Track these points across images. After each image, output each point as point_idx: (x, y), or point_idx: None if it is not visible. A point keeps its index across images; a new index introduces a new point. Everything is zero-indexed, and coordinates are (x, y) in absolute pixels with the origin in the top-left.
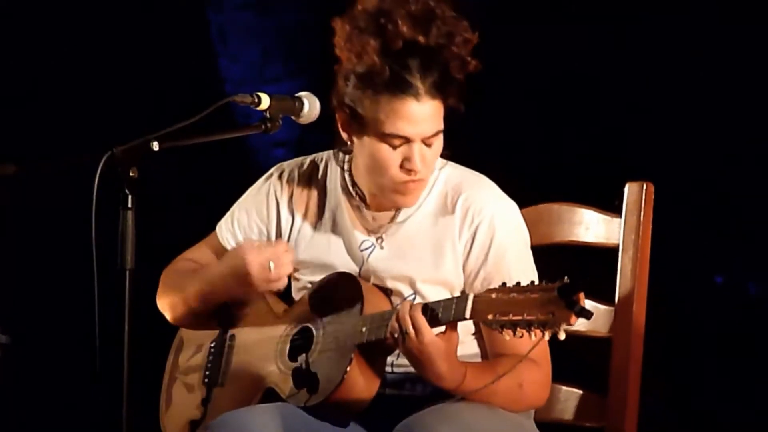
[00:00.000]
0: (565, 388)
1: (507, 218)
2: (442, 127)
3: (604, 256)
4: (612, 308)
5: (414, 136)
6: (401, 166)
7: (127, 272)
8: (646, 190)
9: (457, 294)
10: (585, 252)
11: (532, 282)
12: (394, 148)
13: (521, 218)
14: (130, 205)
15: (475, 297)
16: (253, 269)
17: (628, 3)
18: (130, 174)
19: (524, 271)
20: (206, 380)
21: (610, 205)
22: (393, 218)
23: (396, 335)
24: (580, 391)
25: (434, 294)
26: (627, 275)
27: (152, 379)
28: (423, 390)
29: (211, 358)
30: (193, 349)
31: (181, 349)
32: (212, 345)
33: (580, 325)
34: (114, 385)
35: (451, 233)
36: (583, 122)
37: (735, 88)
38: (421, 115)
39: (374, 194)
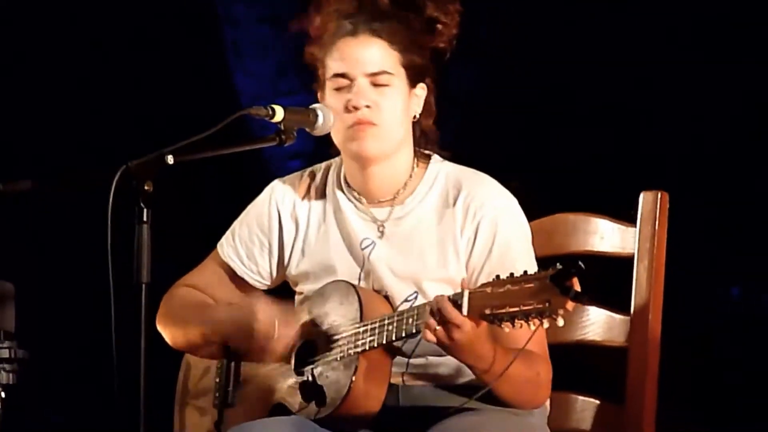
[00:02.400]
0: (581, 398)
1: (509, 213)
2: (389, 69)
3: (620, 265)
4: (628, 318)
5: (352, 72)
6: (347, 109)
7: (143, 286)
8: (660, 199)
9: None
10: (600, 261)
11: (525, 272)
12: (340, 90)
13: (522, 212)
14: (145, 219)
15: (470, 293)
16: (258, 333)
17: (642, 16)
18: (146, 188)
19: (529, 266)
20: (216, 402)
21: (625, 215)
22: (391, 213)
23: (435, 328)
24: (597, 401)
25: (438, 292)
26: (642, 284)
27: (170, 392)
28: (437, 401)
29: (218, 380)
30: (200, 372)
31: (188, 372)
32: (219, 366)
33: (595, 335)
34: (131, 399)
35: (452, 230)
36: (598, 132)
37: (752, 97)
38: (358, 50)
39: (363, 182)
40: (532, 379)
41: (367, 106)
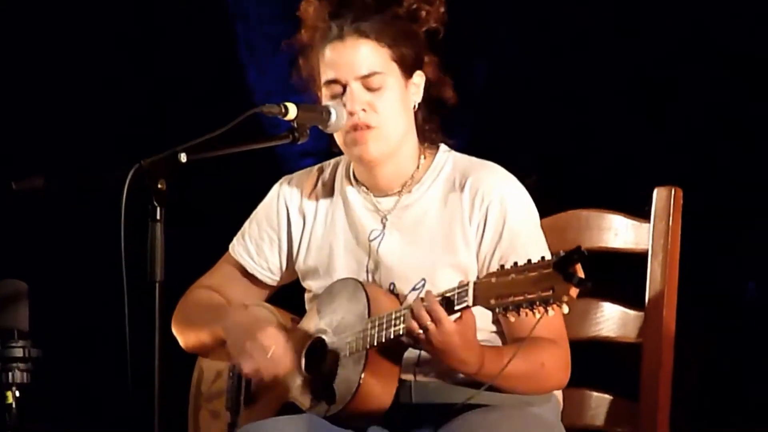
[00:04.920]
0: (596, 394)
1: (517, 198)
2: (380, 69)
3: (634, 261)
4: (642, 314)
5: (343, 77)
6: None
7: (157, 284)
8: (674, 195)
9: (472, 279)
10: (614, 258)
11: (529, 261)
12: (335, 96)
13: (529, 197)
14: (158, 217)
15: (475, 284)
16: (257, 340)
17: (653, 11)
18: (159, 186)
19: (539, 250)
20: (229, 405)
21: (639, 211)
22: (398, 202)
23: (415, 333)
24: (611, 397)
25: (448, 279)
26: (656, 280)
27: (184, 396)
28: (448, 395)
29: (230, 382)
30: (213, 376)
31: (201, 376)
32: (231, 369)
33: (610, 331)
34: (145, 397)
35: (460, 217)
36: (611, 128)
37: (763, 90)
38: (346, 54)
39: (370, 177)
40: (534, 373)
41: (363, 110)
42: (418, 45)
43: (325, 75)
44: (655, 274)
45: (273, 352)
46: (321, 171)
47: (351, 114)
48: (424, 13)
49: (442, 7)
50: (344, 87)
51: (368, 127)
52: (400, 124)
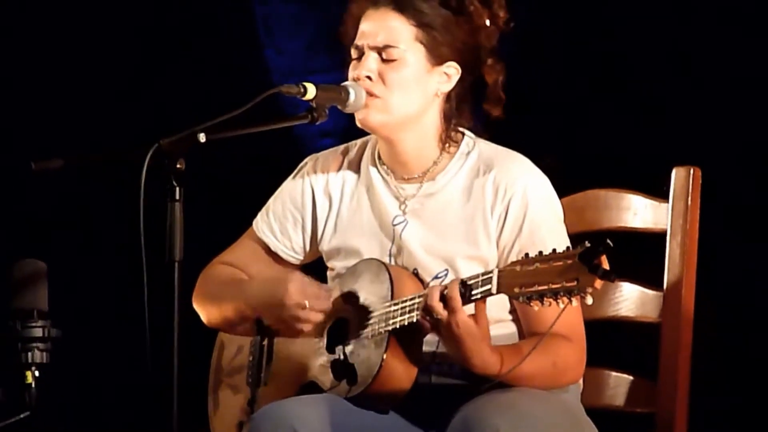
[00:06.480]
0: (615, 374)
1: (539, 191)
2: (397, 44)
3: (652, 241)
4: (661, 293)
5: (361, 44)
6: (353, 80)
7: (176, 264)
8: (693, 174)
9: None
10: (633, 238)
11: (554, 250)
12: (354, 61)
13: (553, 191)
14: (177, 197)
15: (500, 271)
16: (290, 301)
17: None
18: (178, 166)
19: (559, 244)
20: (250, 380)
21: (658, 191)
22: (420, 189)
23: (428, 317)
24: (631, 377)
25: (470, 270)
26: (675, 260)
27: (204, 370)
28: (469, 378)
29: (251, 358)
30: (234, 350)
31: (222, 351)
32: (252, 344)
33: (629, 310)
34: (164, 376)
35: (482, 208)
36: (630, 107)
37: None
38: (373, 22)
39: (393, 156)
40: (544, 373)
41: (368, 77)
42: (461, 39)
43: (355, 40)
44: (674, 254)
45: (309, 301)
46: (347, 151)
47: (357, 79)
48: (472, 8)
49: (501, 11)
50: (362, 54)
51: (372, 95)
52: (411, 103)
